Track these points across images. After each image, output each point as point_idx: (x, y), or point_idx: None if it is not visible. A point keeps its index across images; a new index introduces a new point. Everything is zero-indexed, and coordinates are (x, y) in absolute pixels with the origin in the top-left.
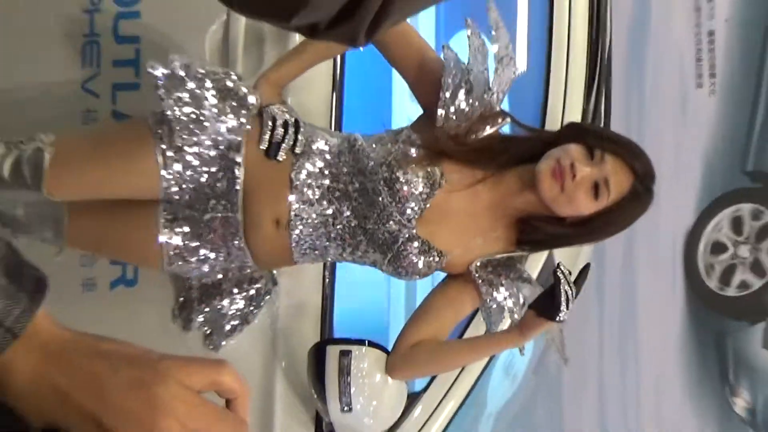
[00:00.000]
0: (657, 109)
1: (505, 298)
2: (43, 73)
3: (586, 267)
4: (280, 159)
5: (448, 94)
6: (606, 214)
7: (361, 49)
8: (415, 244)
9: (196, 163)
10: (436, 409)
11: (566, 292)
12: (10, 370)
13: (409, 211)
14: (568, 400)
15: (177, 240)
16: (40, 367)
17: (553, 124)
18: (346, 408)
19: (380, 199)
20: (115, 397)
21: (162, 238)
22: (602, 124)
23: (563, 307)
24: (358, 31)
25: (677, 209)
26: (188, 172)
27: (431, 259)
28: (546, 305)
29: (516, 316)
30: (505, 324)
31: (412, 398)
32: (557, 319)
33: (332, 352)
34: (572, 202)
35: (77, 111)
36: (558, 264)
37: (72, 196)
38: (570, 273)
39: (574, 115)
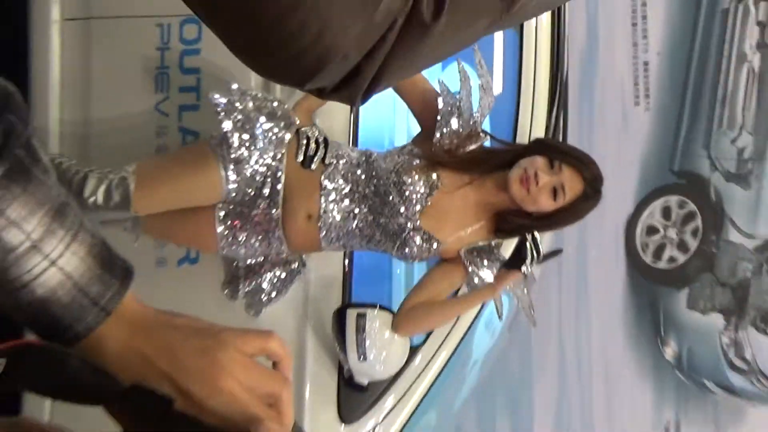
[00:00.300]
0: (603, 123)
1: (485, 275)
2: (125, 99)
3: (557, 251)
4: (313, 168)
5: (443, 120)
6: (563, 211)
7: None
8: (419, 234)
9: (250, 173)
10: (432, 358)
11: (531, 251)
12: (105, 340)
13: (413, 207)
14: (535, 351)
15: (229, 231)
16: (127, 338)
17: (522, 134)
18: (362, 358)
19: (391, 198)
20: (186, 362)
21: (218, 229)
22: (561, 136)
23: (528, 260)
24: (356, 95)
25: (620, 201)
26: (243, 181)
27: (431, 246)
28: (513, 262)
29: None
30: None
31: (413, 350)
32: (522, 269)
33: (351, 315)
34: (536, 202)
35: (152, 127)
36: (530, 228)
37: (154, 210)
38: (537, 239)
39: (539, 128)
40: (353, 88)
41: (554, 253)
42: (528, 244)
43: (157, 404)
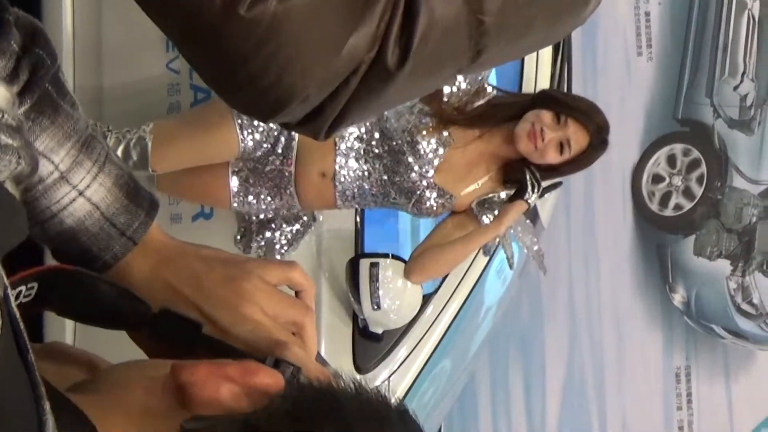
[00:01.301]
0: (607, 73)
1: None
2: (136, 60)
3: (558, 183)
4: None
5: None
6: (570, 162)
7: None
8: (434, 189)
9: (264, 128)
10: (444, 306)
11: (532, 181)
12: (132, 269)
13: (427, 165)
14: (545, 298)
15: (242, 186)
16: (154, 267)
17: (528, 84)
18: (375, 307)
19: (405, 157)
20: (211, 289)
21: (232, 185)
22: (566, 86)
23: (529, 189)
24: (320, 131)
25: (625, 150)
26: (258, 137)
27: (445, 200)
28: (515, 196)
29: (506, 237)
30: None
31: (426, 298)
32: (525, 198)
33: (364, 264)
34: (543, 156)
35: (164, 86)
36: (528, 166)
37: (171, 169)
38: (535, 172)
39: (544, 79)
40: (316, 126)
41: (555, 185)
42: (528, 176)
43: (187, 328)
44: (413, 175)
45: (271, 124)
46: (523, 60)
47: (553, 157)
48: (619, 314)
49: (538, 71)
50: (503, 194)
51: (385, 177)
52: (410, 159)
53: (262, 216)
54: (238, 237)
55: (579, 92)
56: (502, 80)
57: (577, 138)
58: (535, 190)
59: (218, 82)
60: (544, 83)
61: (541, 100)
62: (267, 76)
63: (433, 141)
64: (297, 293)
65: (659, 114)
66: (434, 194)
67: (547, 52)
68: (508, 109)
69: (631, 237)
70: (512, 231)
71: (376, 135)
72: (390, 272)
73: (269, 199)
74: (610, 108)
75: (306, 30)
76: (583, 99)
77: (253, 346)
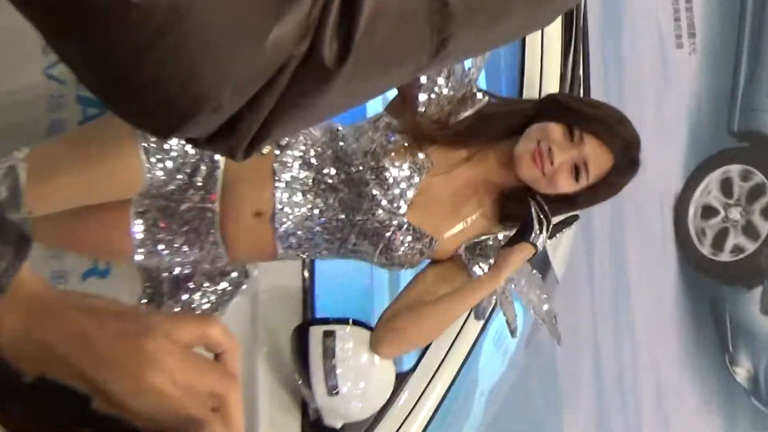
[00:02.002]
0: (636, 72)
1: None
2: (5, 65)
3: (573, 216)
4: (264, 152)
5: (426, 79)
6: (588, 191)
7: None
8: (407, 231)
9: (179, 152)
10: (426, 388)
11: (539, 217)
12: None
13: (398, 198)
14: (563, 375)
15: (149, 232)
16: (26, 321)
17: (531, 89)
18: (333, 391)
19: (368, 189)
20: (103, 351)
21: (135, 231)
22: (581, 89)
23: (536, 228)
24: (237, 149)
25: (664, 174)
26: (171, 165)
27: (423, 245)
28: (517, 237)
29: (506, 294)
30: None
31: (401, 378)
32: (530, 239)
33: (315, 333)
34: (553, 184)
35: (43, 98)
36: (533, 196)
37: (53, 210)
38: (544, 204)
39: (552, 81)
40: (233, 141)
41: (569, 221)
42: (533, 211)
43: (71, 402)
44: (380, 212)
45: (188, 147)
46: (523, 54)
47: (565, 185)
48: (662, 394)
49: (543, 69)
50: (501, 236)
51: (342, 216)
52: (375, 191)
53: (176, 272)
54: (144, 301)
55: (599, 97)
56: (495, 82)
57: (597, 158)
58: (544, 229)
59: (105, 87)
60: (551, 86)
61: (548, 108)
62: (167, 77)
63: (405, 166)
64: (217, 356)
65: (708, 125)
66: (408, 237)
67: (555, 44)
68: (505, 122)
69: (675, 290)
70: (514, 285)
71: (329, 161)
72: (351, 344)
73: (186, 248)
74: (641, 117)
75: (216, 17)
76: (605, 105)
77: (157, 424)
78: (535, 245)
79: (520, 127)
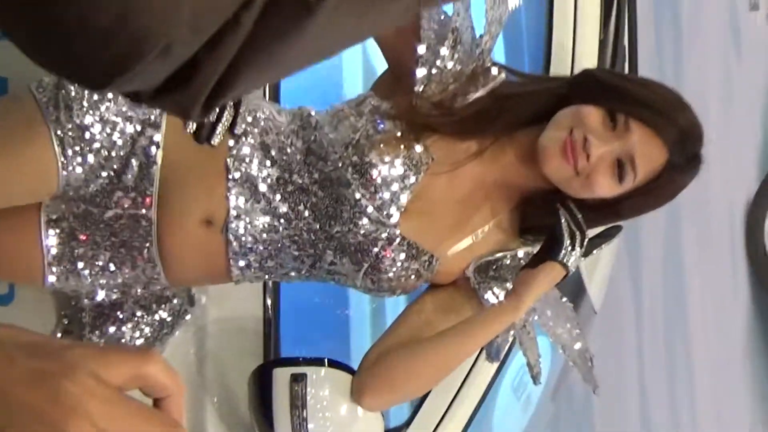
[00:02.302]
0: (698, 41)
1: None
2: None
3: (615, 227)
4: (215, 143)
5: (428, 53)
6: (635, 195)
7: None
8: (399, 247)
9: (103, 144)
10: None
11: (570, 229)
12: None
13: (388, 204)
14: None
15: (65, 246)
16: None
17: (560, 65)
18: None
19: (349, 191)
20: (12, 395)
21: (47, 244)
22: (626, 64)
23: (566, 243)
24: (192, 104)
25: (733, 175)
26: (93, 160)
27: (420, 265)
28: (543, 254)
29: (528, 328)
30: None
31: None
32: (560, 258)
33: (281, 377)
34: (590, 186)
35: None
36: (563, 200)
37: None
38: (577, 211)
39: (588, 54)
40: (186, 96)
41: (610, 233)
42: (563, 221)
43: None
44: (365, 222)
45: (114, 136)
46: (551, 19)
47: (606, 186)
48: None
49: (577, 39)
50: (521, 253)
51: (316, 226)
52: (358, 194)
53: (100, 298)
54: (59, 333)
55: (650, 75)
56: (516, 56)
57: (647, 152)
58: (577, 245)
59: (25, 29)
60: (587, 60)
61: (583, 88)
62: (99, 8)
63: (397, 162)
64: (156, 401)
65: None
66: (402, 255)
67: (592, 6)
68: (528, 105)
69: (746, 323)
70: (537, 317)
71: (299, 155)
72: (327, 391)
73: (113, 267)
74: (705, 101)
75: None
76: (657, 85)
77: None
78: (565, 265)
79: (547, 113)
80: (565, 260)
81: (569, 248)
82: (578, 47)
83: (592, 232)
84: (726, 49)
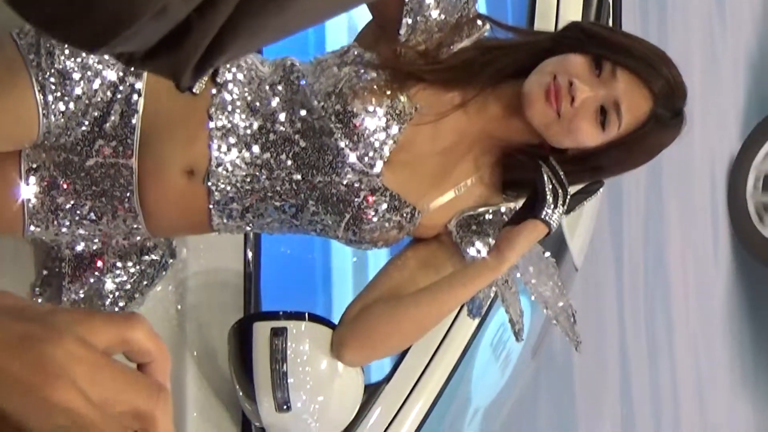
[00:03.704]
0: (682, 2)
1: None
2: None
3: (597, 182)
4: (196, 91)
5: (413, 1)
6: (618, 147)
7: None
8: (381, 198)
9: (84, 91)
10: (403, 404)
11: (553, 186)
12: None
13: (371, 153)
14: (581, 392)
15: (45, 195)
16: None
17: (544, 20)
18: (282, 406)
19: (332, 140)
20: None
21: (27, 193)
22: (609, 18)
23: (549, 199)
24: (183, 67)
25: (716, 133)
26: (73, 107)
27: (402, 218)
28: (526, 211)
29: (510, 284)
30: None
31: (371, 391)
32: (542, 215)
33: (261, 331)
34: (572, 132)
35: None
36: (545, 157)
37: None
38: (559, 168)
39: (573, 7)
40: (178, 58)
41: (592, 188)
42: (545, 175)
43: None
44: (347, 171)
45: (96, 83)
46: None
47: (588, 134)
48: (707, 417)
49: (560, 6)
50: (503, 208)
51: (298, 176)
52: (342, 143)
53: (80, 248)
54: (38, 287)
55: (634, 32)
56: (498, 9)
57: (633, 100)
58: (559, 202)
59: None
60: (573, 14)
61: (569, 38)
62: None
63: (380, 112)
64: (141, 366)
65: None
66: (384, 206)
67: None
68: (513, 56)
69: (727, 283)
70: (519, 274)
71: (281, 104)
72: (307, 346)
73: (93, 216)
74: (688, 60)
75: None
76: (642, 40)
77: None
78: (547, 223)
79: (532, 65)
80: (547, 218)
81: (552, 206)
82: (562, 7)
83: (573, 189)
84: (710, 8)
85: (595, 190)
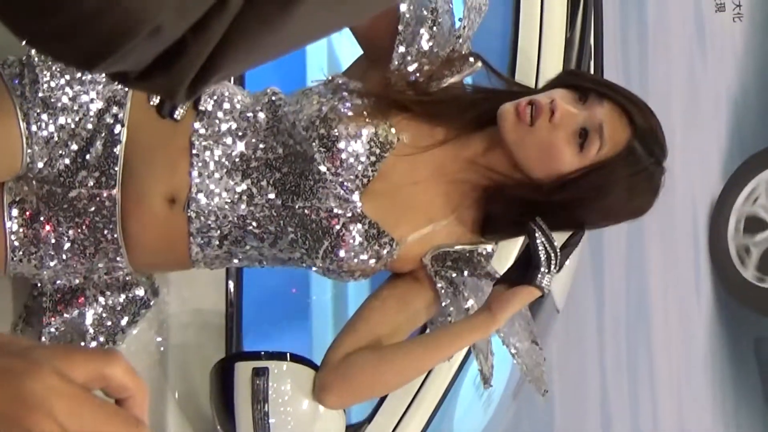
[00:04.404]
0: (664, 41)
1: (466, 298)
2: None
3: (578, 232)
4: (178, 117)
5: (406, 32)
6: (594, 177)
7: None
8: (360, 226)
9: (68, 121)
10: None
11: (546, 248)
12: None
13: (353, 180)
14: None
15: (28, 229)
16: None
17: (526, 62)
18: None
19: (314, 165)
20: None
21: (9, 228)
22: (591, 63)
23: (543, 265)
24: (178, 86)
25: (698, 176)
26: (57, 135)
27: (381, 247)
28: (519, 272)
29: None
30: None
31: (352, 431)
32: (537, 282)
33: (242, 371)
34: (547, 148)
35: None
36: (535, 219)
37: None
38: (546, 231)
39: (555, 50)
40: (173, 76)
41: (575, 240)
42: (538, 240)
43: None
44: (327, 197)
45: (79, 113)
46: (517, 17)
47: (565, 152)
48: None
49: (543, 36)
50: (480, 248)
51: (278, 202)
52: (323, 167)
53: (61, 282)
54: (20, 324)
55: (616, 74)
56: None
57: (614, 126)
58: (552, 267)
59: (16, 4)
60: (554, 56)
61: (556, 80)
62: None
63: (364, 138)
64: (119, 402)
65: (756, 112)
66: (363, 234)
67: (558, 7)
68: (503, 100)
69: (709, 326)
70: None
71: (263, 130)
72: (288, 386)
73: (76, 248)
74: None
75: None
76: (625, 90)
77: None
78: (541, 288)
79: None
80: (541, 284)
81: (546, 271)
82: (544, 44)
83: (556, 237)
84: (691, 49)
85: (578, 240)
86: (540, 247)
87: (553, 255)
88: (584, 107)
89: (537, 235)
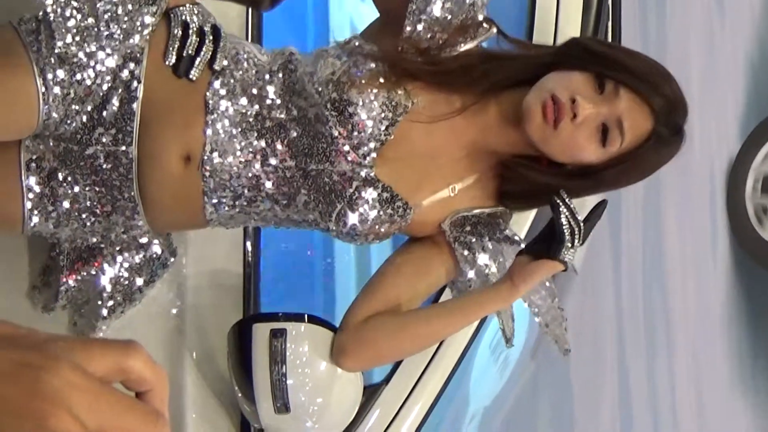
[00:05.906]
0: (681, 4)
1: (487, 265)
2: None
3: (601, 204)
4: (193, 77)
5: (420, 0)
6: (617, 164)
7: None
8: (373, 190)
9: (84, 77)
10: (402, 406)
11: (570, 223)
12: None
13: (365, 143)
14: (580, 393)
15: (45, 186)
16: None
17: (543, 27)
18: (281, 408)
19: (327, 128)
20: None
21: (27, 184)
22: (607, 31)
23: (567, 240)
24: None
25: (715, 135)
26: (74, 92)
27: (394, 211)
28: (543, 245)
29: None
30: None
31: (370, 393)
32: (561, 256)
33: (260, 333)
34: (570, 147)
35: None
36: (558, 191)
37: None
38: (572, 203)
39: (572, 20)
40: None
41: (598, 211)
42: (563, 215)
43: None
44: (341, 161)
45: (96, 69)
46: None
47: (588, 150)
48: (705, 418)
49: (560, 3)
50: (498, 212)
51: (291, 163)
52: (336, 132)
53: (80, 241)
54: (39, 281)
55: (634, 40)
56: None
57: (634, 118)
58: (576, 241)
59: None
60: (571, 29)
61: (571, 55)
62: None
63: (377, 102)
64: (139, 395)
65: None
66: (376, 198)
67: None
68: (516, 66)
69: (726, 285)
70: None
71: (278, 91)
72: (306, 347)
73: (93, 206)
74: (688, 62)
75: None
76: (643, 56)
77: None
78: (564, 262)
79: (532, 78)
80: (565, 258)
81: (569, 245)
82: (562, 5)
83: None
84: (710, 9)
85: (600, 213)
86: (564, 222)
87: (576, 229)
88: (602, 99)
89: (561, 209)
